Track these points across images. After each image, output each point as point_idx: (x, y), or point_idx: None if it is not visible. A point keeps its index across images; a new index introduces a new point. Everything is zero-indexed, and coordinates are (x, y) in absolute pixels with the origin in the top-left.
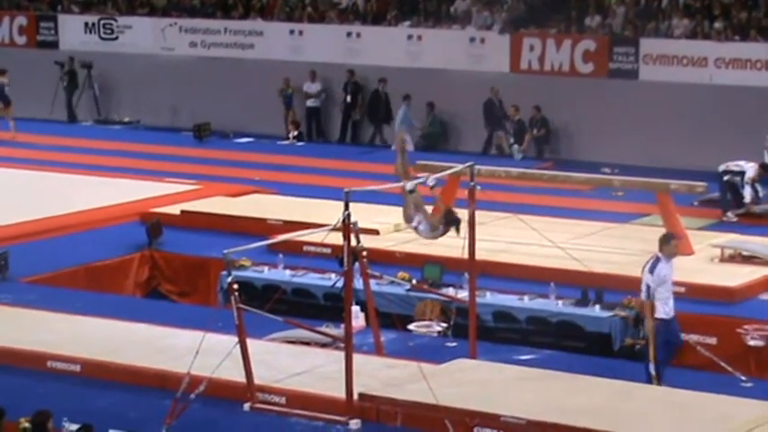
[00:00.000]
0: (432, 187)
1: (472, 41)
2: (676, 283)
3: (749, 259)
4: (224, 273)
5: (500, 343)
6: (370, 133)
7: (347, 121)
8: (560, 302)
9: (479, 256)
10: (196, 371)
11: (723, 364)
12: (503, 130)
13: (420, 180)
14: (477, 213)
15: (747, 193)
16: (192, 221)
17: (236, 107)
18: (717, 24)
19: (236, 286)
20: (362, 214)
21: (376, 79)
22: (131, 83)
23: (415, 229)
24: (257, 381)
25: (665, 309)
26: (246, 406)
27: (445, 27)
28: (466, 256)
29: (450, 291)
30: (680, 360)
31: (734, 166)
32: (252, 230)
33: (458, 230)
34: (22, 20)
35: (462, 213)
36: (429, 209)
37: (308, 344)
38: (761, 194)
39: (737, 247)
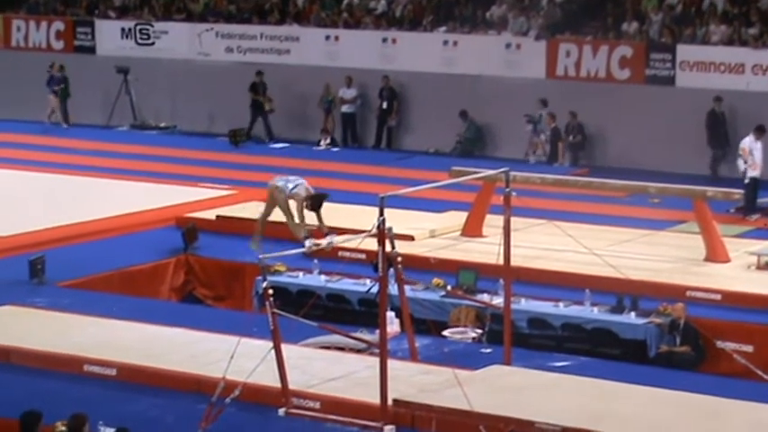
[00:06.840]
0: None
1: (508, 47)
2: (712, 291)
3: None
4: (259, 278)
5: (535, 349)
6: (709, 160)
7: (382, 126)
8: (595, 309)
9: (514, 262)
10: (231, 375)
11: (759, 372)
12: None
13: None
14: (513, 220)
15: None
16: (227, 226)
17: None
18: (754, 30)
19: (271, 291)
20: (397, 220)
21: (412, 85)
22: (168, 88)
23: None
24: (292, 386)
25: None
26: (281, 411)
27: (481, 33)
28: (501, 262)
29: (485, 297)
30: (716, 367)
31: None
32: (287, 236)
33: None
34: (59, 25)
35: (498, 219)
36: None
37: (342, 349)
38: None
39: None
